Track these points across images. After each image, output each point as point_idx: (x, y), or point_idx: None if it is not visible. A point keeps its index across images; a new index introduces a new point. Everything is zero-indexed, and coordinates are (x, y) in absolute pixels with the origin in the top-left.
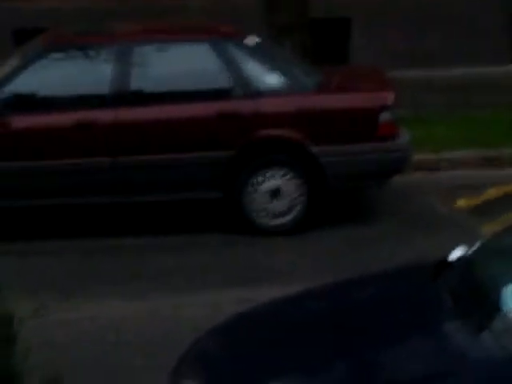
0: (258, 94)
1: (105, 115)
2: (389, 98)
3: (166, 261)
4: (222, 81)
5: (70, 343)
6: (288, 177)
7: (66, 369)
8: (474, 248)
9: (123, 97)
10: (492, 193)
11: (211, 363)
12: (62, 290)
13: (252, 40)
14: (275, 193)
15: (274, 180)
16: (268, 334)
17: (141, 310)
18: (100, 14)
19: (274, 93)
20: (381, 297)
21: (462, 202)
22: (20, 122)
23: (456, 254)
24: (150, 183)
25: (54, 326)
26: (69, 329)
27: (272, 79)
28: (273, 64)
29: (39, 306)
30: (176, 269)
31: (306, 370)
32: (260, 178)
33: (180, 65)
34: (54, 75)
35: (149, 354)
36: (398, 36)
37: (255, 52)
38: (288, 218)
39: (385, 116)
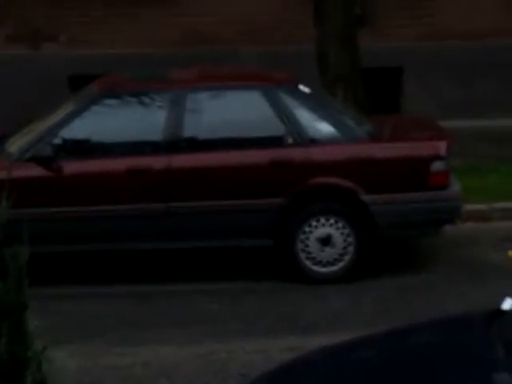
0: (310, 142)
1: (158, 162)
2: (441, 147)
3: (217, 307)
4: (275, 128)
5: None
6: (339, 225)
7: None
8: None
9: (177, 143)
10: None
11: None
12: (115, 334)
13: (304, 88)
14: (326, 240)
15: (325, 228)
16: (316, 382)
17: (193, 355)
18: (153, 60)
19: (326, 141)
20: (431, 346)
21: None
22: (74, 167)
23: (508, 303)
24: (202, 230)
25: (107, 371)
26: (121, 374)
27: (324, 127)
28: (325, 112)
29: (92, 351)
30: (227, 315)
31: None
32: (311, 226)
33: (233, 112)
34: (108, 121)
35: None
36: (450, 85)
37: (308, 100)
38: (339, 265)
39: (436, 165)
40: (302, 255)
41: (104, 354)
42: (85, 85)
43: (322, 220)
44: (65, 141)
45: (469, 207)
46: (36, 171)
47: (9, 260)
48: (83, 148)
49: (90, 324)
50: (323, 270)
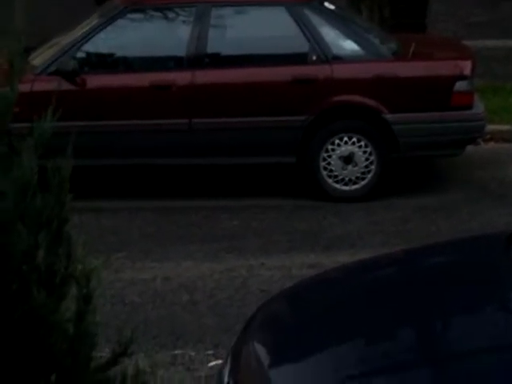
0: (334, 59)
1: (182, 77)
2: (465, 67)
3: (238, 223)
4: (299, 45)
5: (143, 302)
6: (362, 143)
7: (138, 327)
8: None
9: (200, 59)
10: None
11: (278, 326)
12: (137, 249)
13: (329, 5)
14: (348, 159)
15: (347, 146)
16: (335, 299)
17: (213, 271)
18: None
19: (350, 59)
20: (450, 265)
21: None
22: (97, 81)
23: None
24: (224, 146)
25: (128, 285)
26: (142, 288)
27: (348, 45)
28: (350, 30)
29: (114, 264)
30: (248, 232)
31: (370, 336)
32: (334, 144)
33: (257, 28)
34: (133, 35)
35: (219, 314)
36: (477, 5)
37: (333, 17)
38: (360, 184)
39: (460, 85)
40: (325, 173)
41: (125, 268)
42: None
43: (345, 138)
44: (89, 55)
45: (492, 127)
46: (59, 85)
47: (50, 173)
48: (107, 62)
49: (111, 238)
50: (345, 188)
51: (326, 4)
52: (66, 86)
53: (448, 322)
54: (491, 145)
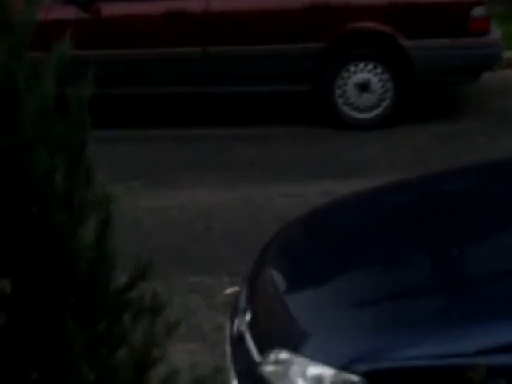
0: None
1: (196, 5)
2: None
3: (253, 152)
4: None
5: (159, 231)
6: (378, 70)
7: (154, 255)
8: None
9: None
10: None
11: (294, 253)
12: (152, 178)
13: None
14: (364, 86)
15: (363, 73)
16: (350, 225)
17: (228, 199)
18: None
19: None
20: (465, 191)
21: None
22: (112, 9)
23: None
24: (239, 74)
25: (144, 214)
26: (158, 217)
27: None
28: None
29: (129, 193)
30: (263, 160)
31: (385, 262)
32: (350, 71)
33: None
34: None
35: (235, 242)
36: None
37: None
38: (376, 112)
39: (477, 11)
40: (340, 101)
41: (141, 197)
42: None
43: (361, 65)
44: None
45: (509, 54)
46: (74, 13)
47: (71, 96)
48: None
49: (126, 167)
50: (361, 116)
51: None
52: (81, 14)
53: (463, 247)
54: (508, 72)
